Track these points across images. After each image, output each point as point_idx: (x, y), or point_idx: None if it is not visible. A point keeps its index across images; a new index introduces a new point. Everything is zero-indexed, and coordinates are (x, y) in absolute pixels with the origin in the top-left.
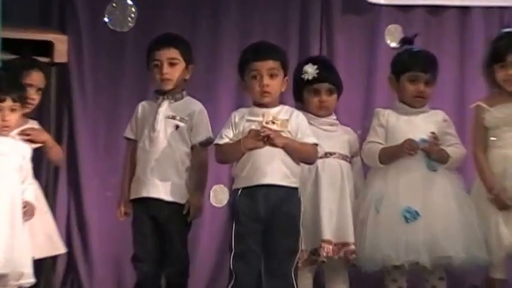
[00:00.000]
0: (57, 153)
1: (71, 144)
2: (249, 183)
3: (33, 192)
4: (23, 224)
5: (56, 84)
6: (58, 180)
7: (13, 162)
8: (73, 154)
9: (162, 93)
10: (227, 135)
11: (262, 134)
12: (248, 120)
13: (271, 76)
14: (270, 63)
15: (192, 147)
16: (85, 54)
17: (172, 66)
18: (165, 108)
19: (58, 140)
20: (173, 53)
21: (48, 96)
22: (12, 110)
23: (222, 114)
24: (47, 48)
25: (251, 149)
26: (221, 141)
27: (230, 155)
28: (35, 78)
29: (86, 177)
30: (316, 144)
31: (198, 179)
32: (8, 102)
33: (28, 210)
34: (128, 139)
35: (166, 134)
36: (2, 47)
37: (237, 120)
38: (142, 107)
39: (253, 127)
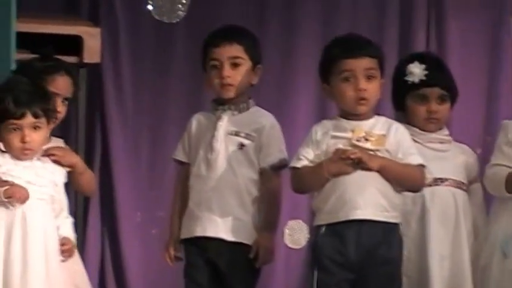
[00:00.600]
0: (89, 180)
1: (105, 169)
2: (335, 219)
3: (71, 227)
4: (58, 267)
5: (87, 92)
6: (88, 215)
7: (43, 192)
8: (108, 181)
9: (221, 103)
10: (306, 156)
11: (351, 156)
12: (333, 137)
13: (368, 78)
14: (367, 62)
15: (261, 172)
16: (122, 52)
17: (235, 68)
18: (226, 122)
19: (89, 163)
20: (236, 50)
21: (76, 106)
22: (36, 127)
23: (299, 129)
24: (74, 44)
25: (337, 175)
26: (298, 164)
27: (310, 181)
28: (61, 85)
29: (124, 210)
30: (423, 166)
31: (268, 213)
32: (29, 119)
33: (67, 249)
34: (179, 162)
35: (228, 155)
36: (17, 43)
37: (318, 136)
38: (197, 121)
39: (340, 146)
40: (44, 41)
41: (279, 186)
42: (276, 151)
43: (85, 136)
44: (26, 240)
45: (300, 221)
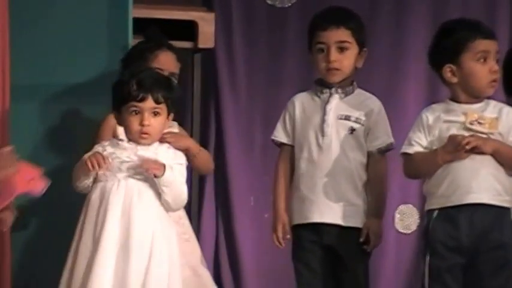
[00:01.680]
0: (204, 159)
1: (219, 153)
2: (448, 203)
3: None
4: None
5: (201, 76)
6: (204, 198)
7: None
8: (222, 166)
9: (327, 86)
10: (418, 142)
11: (468, 147)
12: (446, 121)
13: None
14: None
15: (369, 155)
16: (236, 37)
17: (342, 52)
18: (334, 105)
19: (203, 147)
20: (344, 34)
21: (191, 90)
22: (156, 113)
23: (409, 113)
24: (189, 30)
25: (451, 161)
26: (411, 150)
27: (423, 168)
28: (163, 60)
29: (238, 194)
30: None
31: (377, 198)
32: (150, 103)
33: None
34: (280, 144)
35: (340, 139)
36: (134, 29)
37: (430, 121)
38: (300, 102)
39: (454, 130)
40: (160, 27)
41: (386, 170)
42: (384, 134)
43: (200, 121)
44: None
45: (411, 206)
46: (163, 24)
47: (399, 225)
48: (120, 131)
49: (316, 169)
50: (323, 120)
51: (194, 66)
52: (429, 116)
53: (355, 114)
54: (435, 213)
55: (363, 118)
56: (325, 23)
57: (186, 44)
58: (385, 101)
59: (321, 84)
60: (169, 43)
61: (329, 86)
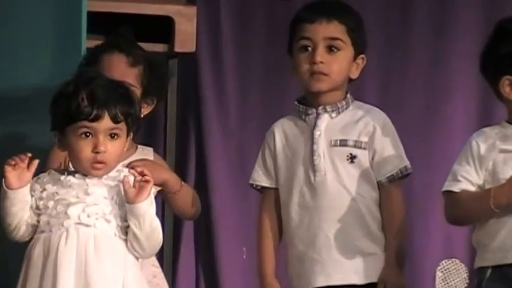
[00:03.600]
0: (187, 199)
1: (202, 187)
2: (506, 260)
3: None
4: None
5: (178, 88)
6: (180, 244)
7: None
8: (205, 206)
9: (312, 103)
10: (466, 177)
11: None
12: (502, 151)
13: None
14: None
15: (379, 187)
16: (225, 38)
17: (333, 53)
18: (325, 128)
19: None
20: (336, 30)
21: (164, 106)
22: (113, 135)
23: (455, 137)
24: (163, 29)
25: (507, 207)
26: (456, 188)
27: (472, 211)
28: (111, 67)
29: (226, 243)
30: None
31: (394, 241)
32: (106, 123)
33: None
34: (263, 188)
35: (337, 172)
36: (89, 26)
37: (482, 151)
38: (281, 131)
39: None
40: (124, 24)
41: (403, 204)
42: (394, 157)
43: (176, 146)
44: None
45: (457, 261)
46: (129, 21)
47: (442, 285)
48: None
49: (312, 217)
50: (312, 151)
51: (169, 74)
52: (481, 143)
53: (353, 136)
54: (488, 271)
55: (365, 139)
56: (313, 14)
57: (158, 47)
58: (426, 125)
59: (303, 103)
60: (128, 44)
61: (314, 103)
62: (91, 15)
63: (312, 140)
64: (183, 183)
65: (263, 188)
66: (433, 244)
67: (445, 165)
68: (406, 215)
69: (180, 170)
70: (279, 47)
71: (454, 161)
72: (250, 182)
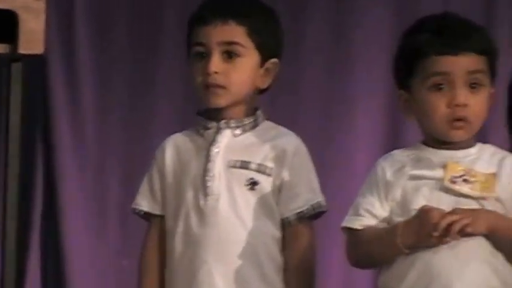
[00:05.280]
0: None
1: (50, 213)
2: None
3: None
4: None
5: (23, 96)
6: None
7: None
8: (53, 236)
9: (214, 117)
10: (369, 210)
11: (449, 228)
12: (413, 177)
13: (472, 87)
14: (471, 61)
15: (284, 225)
16: (80, 37)
17: (231, 60)
18: (225, 145)
19: (25, 193)
20: (232, 33)
21: (6, 118)
22: None
23: (359, 161)
24: (6, 26)
25: (415, 247)
26: (357, 224)
27: (376, 252)
28: None
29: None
30: None
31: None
32: None
33: None
34: (148, 215)
35: (234, 199)
36: None
37: (389, 176)
38: (174, 147)
39: (425, 192)
40: None
41: (313, 248)
42: (306, 190)
43: (21, 160)
44: None
45: None
46: None
47: None
48: None
49: (197, 249)
50: (205, 170)
51: (11, 80)
52: (387, 168)
53: (256, 159)
54: None
55: (270, 165)
56: (207, 14)
57: (0, 48)
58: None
59: (205, 116)
60: None
61: (217, 117)
62: None
63: (207, 157)
64: None
65: (147, 214)
66: (334, 286)
67: (348, 194)
68: (315, 262)
69: (25, 190)
70: (145, 47)
71: (355, 191)
72: (133, 206)
